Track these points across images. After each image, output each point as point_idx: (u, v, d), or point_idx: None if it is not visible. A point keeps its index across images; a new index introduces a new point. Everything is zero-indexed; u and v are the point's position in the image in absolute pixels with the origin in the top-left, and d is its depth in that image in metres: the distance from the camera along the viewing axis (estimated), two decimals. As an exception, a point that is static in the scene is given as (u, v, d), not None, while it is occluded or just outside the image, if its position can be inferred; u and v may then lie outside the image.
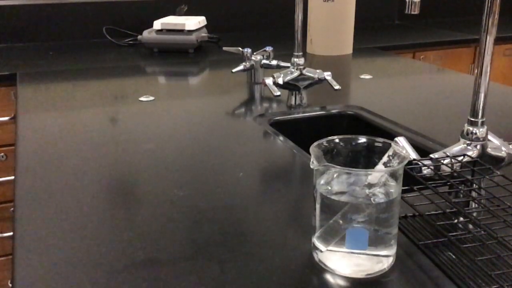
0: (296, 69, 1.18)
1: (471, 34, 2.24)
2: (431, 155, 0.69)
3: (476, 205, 0.68)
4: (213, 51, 1.89)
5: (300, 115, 1.18)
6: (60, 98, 1.24)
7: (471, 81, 0.71)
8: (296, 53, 1.19)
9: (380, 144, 0.59)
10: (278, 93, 1.16)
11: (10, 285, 0.58)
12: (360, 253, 0.56)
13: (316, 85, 1.22)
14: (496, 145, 0.69)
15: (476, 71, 0.67)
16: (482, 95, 0.67)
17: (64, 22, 2.05)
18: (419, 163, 0.67)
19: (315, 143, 0.57)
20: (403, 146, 0.69)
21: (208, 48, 1.93)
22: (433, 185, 0.66)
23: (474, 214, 0.65)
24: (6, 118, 1.58)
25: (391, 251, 0.57)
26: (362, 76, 1.49)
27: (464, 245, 0.58)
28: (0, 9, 1.96)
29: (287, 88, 1.19)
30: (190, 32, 1.82)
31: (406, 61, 1.83)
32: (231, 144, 0.95)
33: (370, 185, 0.56)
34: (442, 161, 0.67)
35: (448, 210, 0.65)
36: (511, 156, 0.69)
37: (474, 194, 0.68)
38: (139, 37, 1.87)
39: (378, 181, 0.55)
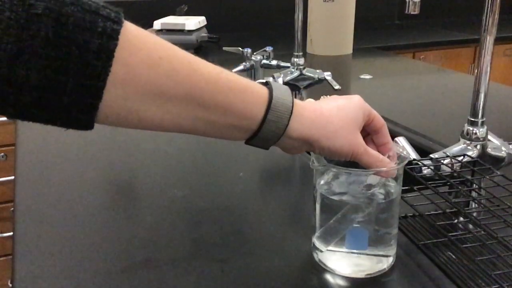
0: (296, 69, 1.18)
1: (471, 34, 2.24)
2: (431, 155, 0.69)
3: (476, 205, 0.68)
4: (213, 51, 1.89)
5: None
6: (60, 98, 1.24)
7: (471, 81, 0.71)
8: (296, 53, 1.19)
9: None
10: (278, 93, 1.15)
11: (10, 285, 0.58)
12: (360, 253, 0.56)
13: (316, 85, 1.22)
14: (496, 145, 0.69)
15: (476, 71, 0.67)
16: (482, 95, 0.67)
17: (64, 22, 2.05)
18: (419, 163, 0.67)
19: (315, 143, 0.57)
20: (403, 146, 0.69)
21: (208, 48, 1.93)
22: (433, 185, 0.66)
23: (474, 214, 0.65)
24: (6, 118, 1.58)
25: (391, 251, 0.57)
26: (362, 76, 1.49)
27: (464, 245, 0.58)
28: (0, 9, 1.96)
29: (287, 88, 1.19)
30: (190, 32, 1.82)
31: (406, 61, 1.83)
32: (231, 144, 0.94)
33: (369, 186, 0.56)
34: (442, 161, 0.67)
35: (448, 210, 0.65)
36: (511, 156, 0.69)
37: (474, 194, 0.68)
38: (139, 37, 1.87)
39: (378, 182, 0.55)
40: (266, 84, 0.52)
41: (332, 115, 0.53)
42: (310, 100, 0.56)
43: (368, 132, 0.58)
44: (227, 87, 0.48)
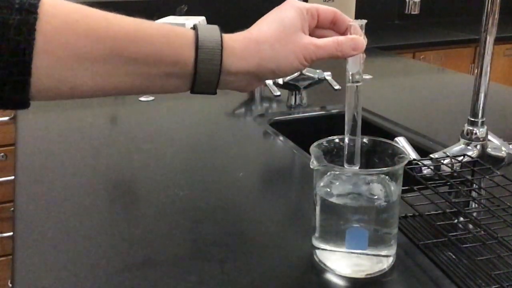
0: (296, 69, 1.18)
1: (471, 34, 2.24)
2: (431, 155, 0.69)
3: (476, 205, 0.68)
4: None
5: (300, 115, 1.18)
6: (60, 98, 1.24)
7: (471, 81, 0.71)
8: (296, 53, 1.19)
9: (380, 144, 0.59)
10: (278, 93, 1.16)
11: (10, 285, 0.58)
12: (360, 253, 0.56)
13: (316, 85, 1.22)
14: (496, 145, 0.69)
15: (476, 71, 0.67)
16: (482, 95, 0.67)
17: (64, 22, 2.04)
18: (419, 163, 0.67)
19: (315, 143, 0.57)
20: (403, 146, 0.69)
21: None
22: (433, 185, 0.66)
23: (474, 214, 0.65)
24: (6, 118, 1.58)
25: (391, 251, 0.57)
26: (362, 76, 1.49)
27: (464, 245, 0.58)
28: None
29: (287, 88, 1.19)
30: (190, 32, 1.82)
31: (406, 61, 1.83)
32: (231, 144, 0.95)
33: (353, 76, 0.55)
34: (442, 161, 0.67)
35: (448, 210, 0.65)
36: (511, 156, 0.69)
37: (474, 194, 0.68)
38: (139, 37, 1.87)
39: (359, 66, 0.54)
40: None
41: (263, 35, 0.51)
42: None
43: (326, 28, 0.56)
44: (149, 35, 0.48)
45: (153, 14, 2.06)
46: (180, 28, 0.50)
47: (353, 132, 0.55)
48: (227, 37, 0.51)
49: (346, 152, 0.56)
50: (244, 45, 0.51)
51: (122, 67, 0.47)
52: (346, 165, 0.56)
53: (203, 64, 0.49)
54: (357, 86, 0.54)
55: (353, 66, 0.54)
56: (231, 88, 0.53)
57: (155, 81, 0.49)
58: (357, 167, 0.56)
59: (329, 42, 0.53)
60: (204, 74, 0.49)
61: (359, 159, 0.56)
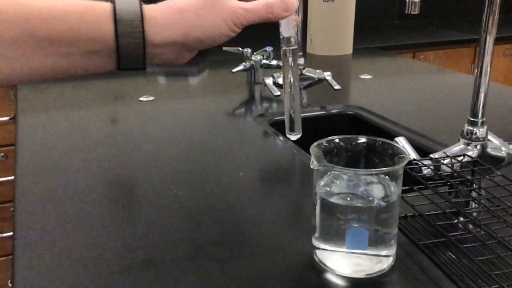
0: (296, 69, 1.18)
1: (471, 34, 2.24)
2: (431, 155, 0.69)
3: (476, 205, 0.68)
4: (213, 51, 1.89)
5: (300, 115, 1.18)
6: (60, 98, 1.24)
7: (471, 81, 0.71)
8: (296, 53, 1.19)
9: (380, 144, 0.59)
10: (278, 93, 1.16)
11: (10, 285, 0.58)
12: (360, 253, 0.56)
13: (316, 85, 1.22)
14: (496, 145, 0.69)
15: (476, 71, 0.67)
16: (482, 95, 0.67)
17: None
18: (419, 163, 0.67)
19: (315, 143, 0.57)
20: (403, 146, 0.69)
21: (208, 48, 1.93)
22: (433, 185, 0.66)
23: (474, 214, 0.65)
24: (6, 118, 1.58)
25: (391, 251, 0.57)
26: (362, 76, 1.49)
27: (464, 245, 0.58)
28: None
29: (287, 88, 1.19)
30: (190, 32, 1.81)
31: (406, 61, 1.83)
32: (231, 144, 0.95)
33: (288, 40, 0.53)
34: (442, 161, 0.67)
35: (448, 210, 0.65)
36: (511, 156, 0.69)
37: (474, 194, 0.68)
38: (139, 37, 1.86)
39: (293, 29, 0.53)
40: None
41: (187, 2, 0.50)
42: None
43: None
44: (64, 13, 0.46)
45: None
46: (99, 3, 0.48)
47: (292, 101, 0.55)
48: (148, 7, 0.49)
49: (286, 121, 0.55)
50: (167, 14, 0.49)
51: (39, 49, 0.45)
52: (288, 134, 0.56)
53: (124, 38, 0.47)
54: (291, 50, 0.54)
55: (286, 29, 0.53)
56: (161, 62, 0.52)
57: (78, 61, 0.47)
58: (299, 135, 0.56)
59: (259, 5, 0.51)
60: (127, 49, 0.48)
61: (300, 127, 0.56)
